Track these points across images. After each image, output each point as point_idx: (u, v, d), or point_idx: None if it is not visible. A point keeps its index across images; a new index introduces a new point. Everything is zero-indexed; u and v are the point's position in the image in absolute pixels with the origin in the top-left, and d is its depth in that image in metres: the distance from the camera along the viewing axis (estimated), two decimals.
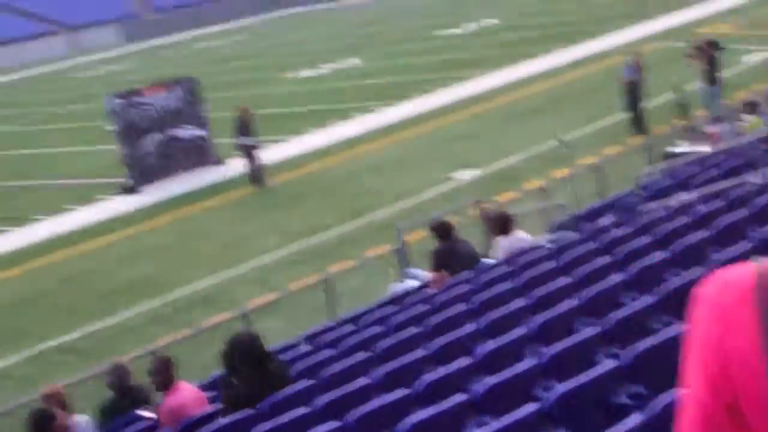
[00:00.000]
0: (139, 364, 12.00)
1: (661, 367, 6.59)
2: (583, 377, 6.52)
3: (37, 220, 27.50)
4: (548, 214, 17.16)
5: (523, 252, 12.46)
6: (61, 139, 41.38)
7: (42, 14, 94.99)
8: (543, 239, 13.82)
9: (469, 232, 16.24)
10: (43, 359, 17.21)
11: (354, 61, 49.07)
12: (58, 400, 10.37)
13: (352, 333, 11.38)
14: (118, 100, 29.23)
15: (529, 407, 6.27)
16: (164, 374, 9.93)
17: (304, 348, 11.72)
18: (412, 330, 10.03)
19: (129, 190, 28.67)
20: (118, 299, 19.60)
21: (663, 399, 5.48)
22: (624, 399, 6.46)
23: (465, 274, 12.25)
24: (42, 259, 23.56)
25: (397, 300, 13.03)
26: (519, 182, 22.04)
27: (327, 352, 10.59)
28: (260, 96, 42.89)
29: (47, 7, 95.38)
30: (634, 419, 5.42)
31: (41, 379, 15.69)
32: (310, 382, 9.15)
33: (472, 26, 54.50)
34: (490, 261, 13.15)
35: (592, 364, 7.07)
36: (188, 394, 9.88)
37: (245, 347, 9.05)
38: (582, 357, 7.41)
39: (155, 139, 29.40)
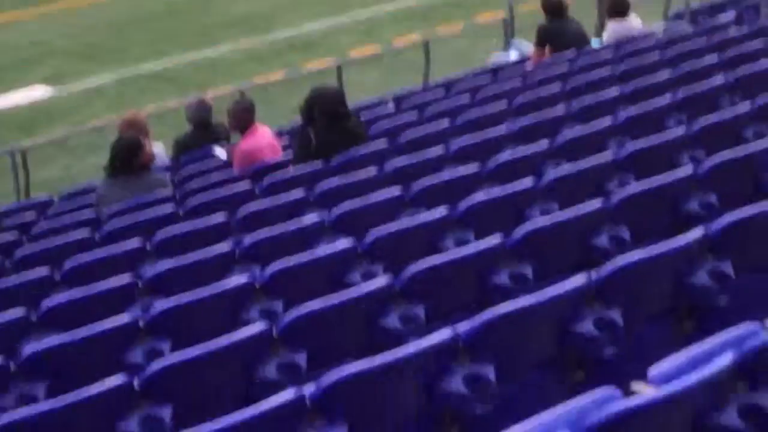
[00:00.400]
0: (225, 102, 11.83)
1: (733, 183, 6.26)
2: (660, 179, 6.17)
3: None
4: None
5: (632, 38, 11.87)
6: None
7: None
8: (657, 27, 13.18)
9: (587, 12, 15.62)
10: (137, 82, 17.18)
11: None
12: (140, 127, 10.29)
13: (439, 99, 11.04)
14: None
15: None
16: (242, 117, 9.76)
17: (390, 108, 11.44)
18: (499, 106, 9.66)
19: None
20: (221, 32, 19.35)
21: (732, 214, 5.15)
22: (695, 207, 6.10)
23: (567, 54, 11.74)
24: None
25: (495, 70, 12.61)
26: None
27: (410, 115, 10.30)
28: None
29: None
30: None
31: (132, 102, 15.80)
32: (384, 144, 8.91)
33: None
34: (599, 43, 12.61)
35: (673, 166, 6.69)
36: (263, 139, 9.72)
37: (326, 100, 8.83)
38: (662, 155, 7.02)
39: None
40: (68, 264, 6.87)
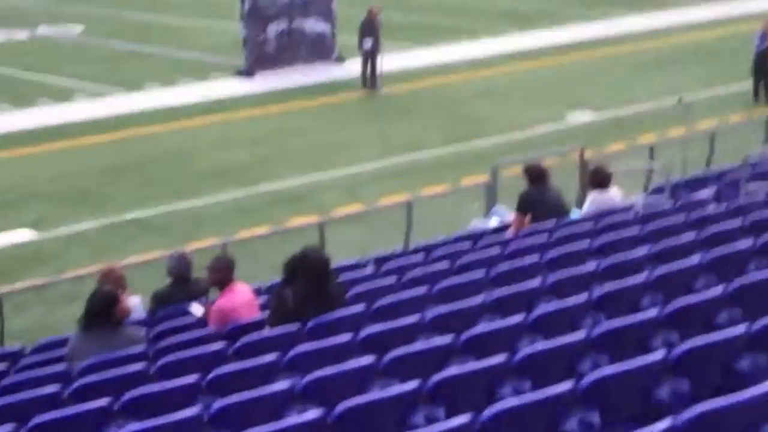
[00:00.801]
0: (208, 255, 11.87)
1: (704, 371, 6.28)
2: (632, 363, 6.18)
3: (147, 88, 27.59)
4: (651, 173, 16.58)
5: (611, 211, 12.02)
6: (187, 9, 41.50)
7: None
8: (637, 200, 13.33)
9: (568, 180, 15.85)
10: (122, 229, 17.23)
11: None
12: (117, 280, 10.30)
13: (419, 264, 11.10)
14: None
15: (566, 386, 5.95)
16: (222, 273, 9.80)
17: (369, 270, 11.49)
18: (477, 274, 9.71)
19: (244, 73, 28.60)
20: (206, 182, 19.54)
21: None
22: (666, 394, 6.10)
23: (547, 224, 11.87)
24: (142, 128, 23.61)
25: (475, 237, 12.71)
26: (631, 133, 21.41)
27: (388, 280, 10.33)
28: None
29: None
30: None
31: (115, 250, 15.84)
32: (361, 308, 8.92)
33: None
34: (579, 213, 12.75)
35: (645, 348, 6.72)
36: (241, 297, 9.73)
37: (312, 264, 8.85)
38: (634, 337, 7.04)
39: (279, 27, 29.18)
40: (34, 421, 6.80)
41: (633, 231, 10.52)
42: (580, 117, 23.58)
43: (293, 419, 6.23)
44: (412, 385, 6.40)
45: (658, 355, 6.32)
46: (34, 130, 23.69)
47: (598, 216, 11.84)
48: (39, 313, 13.71)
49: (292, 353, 7.82)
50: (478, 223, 14.04)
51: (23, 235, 17.04)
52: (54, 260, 15.85)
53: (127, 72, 29.77)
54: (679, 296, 7.66)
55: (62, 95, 26.90)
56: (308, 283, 8.80)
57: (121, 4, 43.23)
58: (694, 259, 8.81)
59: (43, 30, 37.48)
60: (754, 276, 8.09)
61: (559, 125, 23.02)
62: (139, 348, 8.74)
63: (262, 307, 9.90)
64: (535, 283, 8.93)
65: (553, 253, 10.04)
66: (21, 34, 36.88)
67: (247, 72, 28.57)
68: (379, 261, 11.95)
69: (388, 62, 27.79)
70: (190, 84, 27.95)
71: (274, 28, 29.04)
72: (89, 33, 36.75)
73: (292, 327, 8.61)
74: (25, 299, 13.66)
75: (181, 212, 18.01)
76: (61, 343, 9.69)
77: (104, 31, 37.08)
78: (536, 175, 12.68)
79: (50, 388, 7.81)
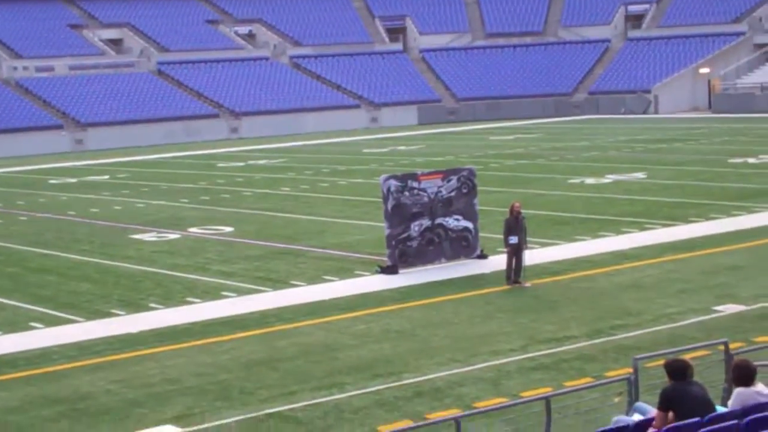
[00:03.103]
0: None
1: None
2: None
3: (294, 285, 28.07)
4: None
5: (759, 406, 11.60)
6: (335, 208, 42.44)
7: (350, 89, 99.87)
8: None
9: (714, 375, 15.45)
10: (263, 423, 17.29)
11: (638, 175, 48.24)
12: None
13: None
14: (393, 182, 29.51)
15: None
16: None
17: None
18: None
19: (388, 269, 28.90)
20: (348, 375, 19.58)
21: None
22: None
23: (691, 422, 11.49)
24: (286, 324, 23.90)
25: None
26: None
27: None
28: (537, 196, 42.77)
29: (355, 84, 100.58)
30: None
31: None
32: None
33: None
34: (725, 410, 12.33)
35: None
36: None
37: None
38: None
39: (423, 224, 29.52)
40: None
41: None
42: (728, 308, 23.09)
43: None
44: None
45: None
46: (181, 326, 24.17)
47: (743, 413, 11.43)
48: None
49: None
50: (619, 420, 13.67)
51: (169, 431, 17.22)
52: None
53: (274, 270, 30.34)
54: None
55: (210, 293, 27.49)
56: None
57: (268, 207, 44.41)
58: None
59: (193, 231, 38.60)
60: None
61: (705, 316, 22.54)
62: None
63: None
64: None
65: None
66: (172, 235, 38.03)
67: (391, 269, 28.86)
68: None
69: (533, 256, 27.76)
70: (335, 281, 28.34)
71: (417, 226, 29.39)
72: (237, 233, 37.70)
73: None
74: None
75: (322, 405, 18.01)
76: None
77: (252, 231, 37.99)
78: (678, 371, 12.35)
79: None
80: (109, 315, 25.73)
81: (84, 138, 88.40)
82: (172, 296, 27.52)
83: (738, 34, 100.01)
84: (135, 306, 26.53)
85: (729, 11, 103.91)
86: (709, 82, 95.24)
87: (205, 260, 32.50)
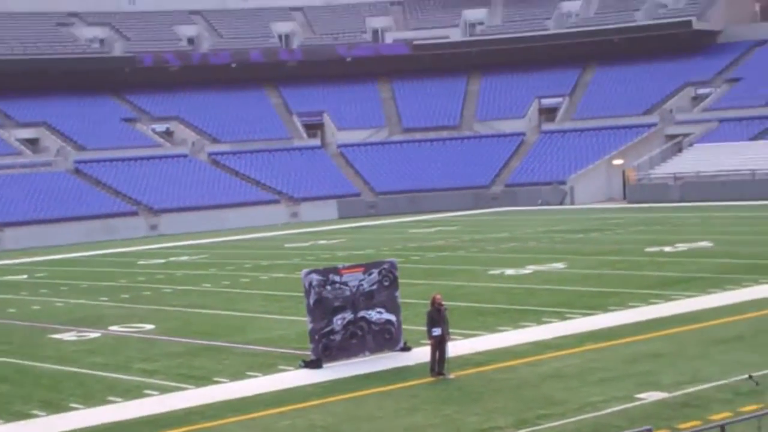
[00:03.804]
0: None
1: None
2: None
3: (217, 382, 27.82)
4: None
5: None
6: (257, 303, 42.31)
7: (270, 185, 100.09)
8: None
9: None
10: None
11: (557, 266, 48.78)
12: None
13: None
14: (315, 276, 29.48)
15: None
16: None
17: None
18: None
19: (312, 364, 28.77)
20: None
21: None
22: None
23: None
24: (210, 422, 23.60)
25: None
26: (704, 412, 21.08)
27: None
28: (458, 287, 43.02)
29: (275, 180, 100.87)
30: None
31: None
32: None
33: (683, 246, 53.64)
34: None
35: None
36: None
37: None
38: None
39: (345, 318, 29.47)
40: None
41: None
42: (651, 396, 23.27)
43: None
44: None
45: None
46: (102, 426, 23.79)
47: None
48: None
49: None
50: None
51: None
52: None
53: (196, 367, 30.06)
54: None
55: (132, 392, 27.13)
56: None
57: (190, 304, 44.17)
58: None
59: (114, 329, 38.19)
60: None
61: (628, 404, 22.68)
62: None
63: None
64: None
65: None
66: (93, 334, 37.57)
67: (315, 363, 28.74)
68: None
69: (456, 348, 27.78)
70: (258, 377, 28.14)
71: (339, 319, 29.35)
72: (159, 330, 37.36)
73: None
74: None
75: None
76: None
77: (173, 328, 37.70)
78: None
79: None
80: (28, 416, 25.25)
81: (2, 238, 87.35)
82: (94, 396, 27.10)
83: (649, 125, 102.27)
84: (55, 407, 26.07)
85: (640, 103, 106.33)
86: (623, 172, 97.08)
87: (126, 358, 32.10)
